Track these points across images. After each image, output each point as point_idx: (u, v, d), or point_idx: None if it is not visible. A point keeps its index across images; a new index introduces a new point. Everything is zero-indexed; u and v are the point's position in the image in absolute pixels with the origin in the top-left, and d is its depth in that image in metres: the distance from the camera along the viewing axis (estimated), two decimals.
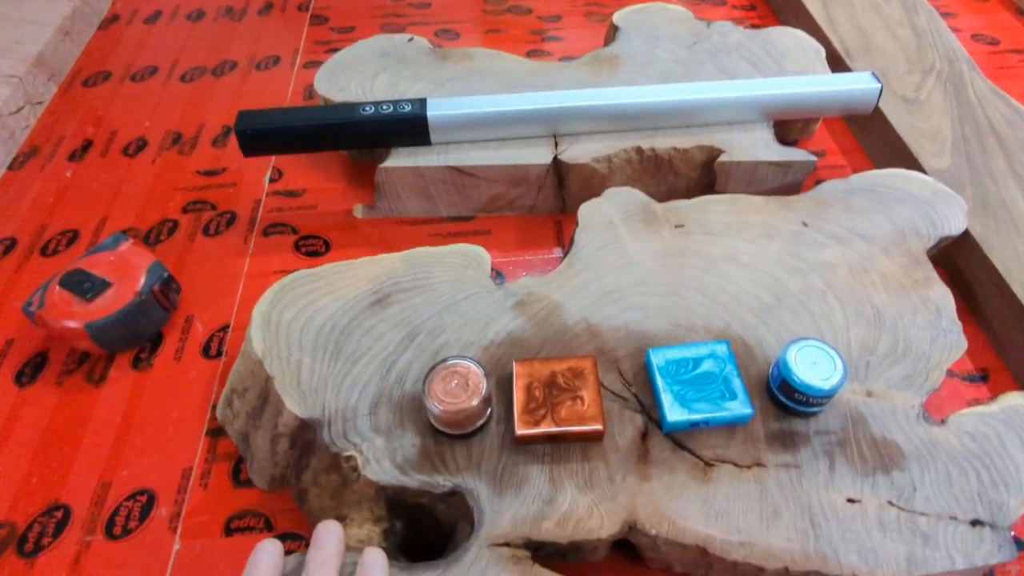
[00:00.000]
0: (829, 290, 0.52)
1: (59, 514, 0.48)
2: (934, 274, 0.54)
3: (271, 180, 0.69)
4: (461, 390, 0.43)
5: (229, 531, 0.47)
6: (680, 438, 0.45)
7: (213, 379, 0.55)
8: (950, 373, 0.56)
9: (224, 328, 0.58)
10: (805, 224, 0.57)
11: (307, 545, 0.39)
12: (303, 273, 0.52)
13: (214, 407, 0.53)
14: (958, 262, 0.60)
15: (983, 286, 0.58)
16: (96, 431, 0.52)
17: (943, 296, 0.52)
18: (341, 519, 0.45)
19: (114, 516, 0.48)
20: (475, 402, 0.42)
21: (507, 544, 0.41)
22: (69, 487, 0.49)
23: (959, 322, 0.51)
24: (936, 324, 0.51)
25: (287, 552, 0.39)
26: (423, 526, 0.46)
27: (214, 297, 0.60)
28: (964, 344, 0.50)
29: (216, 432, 0.52)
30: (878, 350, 0.49)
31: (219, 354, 0.56)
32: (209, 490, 0.49)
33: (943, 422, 0.46)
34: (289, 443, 0.47)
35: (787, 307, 0.51)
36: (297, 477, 0.48)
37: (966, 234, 0.58)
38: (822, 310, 0.51)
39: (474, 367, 0.44)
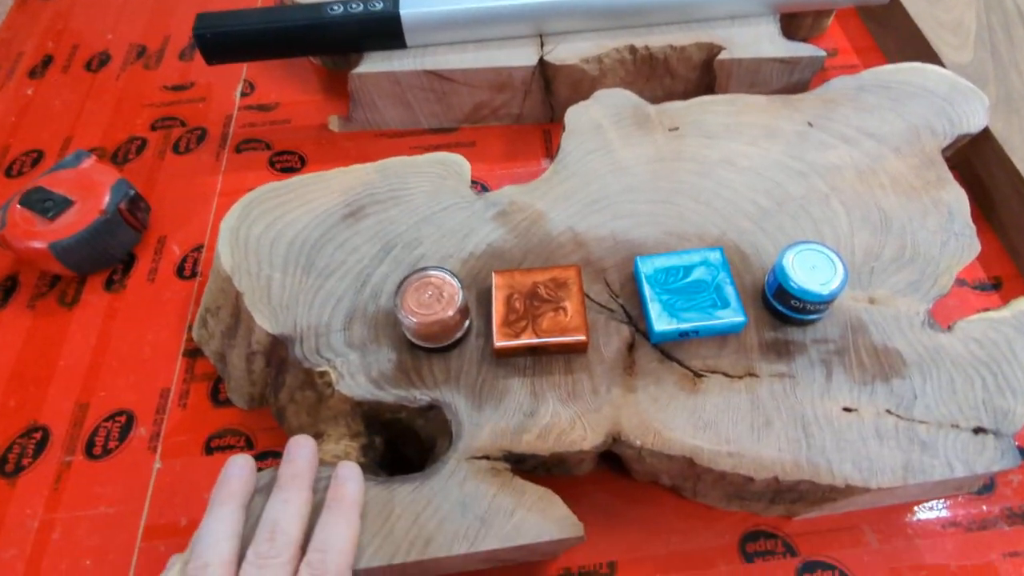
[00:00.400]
0: (833, 193, 0.49)
1: (38, 435, 0.47)
2: (948, 175, 0.50)
3: (242, 94, 0.66)
4: (435, 301, 0.40)
5: (209, 450, 0.47)
6: (668, 349, 0.43)
7: (188, 300, 0.53)
8: (960, 282, 0.53)
9: (198, 248, 0.56)
10: (810, 124, 0.52)
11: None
12: (272, 186, 0.49)
13: (190, 328, 0.51)
14: (975, 163, 0.56)
15: (1001, 189, 0.54)
16: (71, 353, 0.51)
17: (957, 198, 0.48)
18: (318, 436, 0.44)
19: (93, 436, 0.47)
20: (450, 313, 0.40)
21: (486, 457, 0.39)
22: (47, 409, 0.48)
23: (973, 225, 0.47)
24: (947, 227, 0.47)
25: (263, 469, 0.38)
26: (403, 442, 0.45)
27: (187, 217, 0.57)
28: (977, 247, 0.46)
29: (193, 353, 0.51)
30: (883, 255, 0.46)
31: (193, 275, 0.54)
32: (188, 410, 0.48)
33: (949, 329, 0.44)
34: (264, 361, 0.46)
35: (787, 212, 0.48)
36: (275, 395, 0.47)
37: (986, 132, 0.53)
38: (825, 215, 0.48)
39: (449, 278, 0.41)
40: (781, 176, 0.50)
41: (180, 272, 0.55)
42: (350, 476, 0.37)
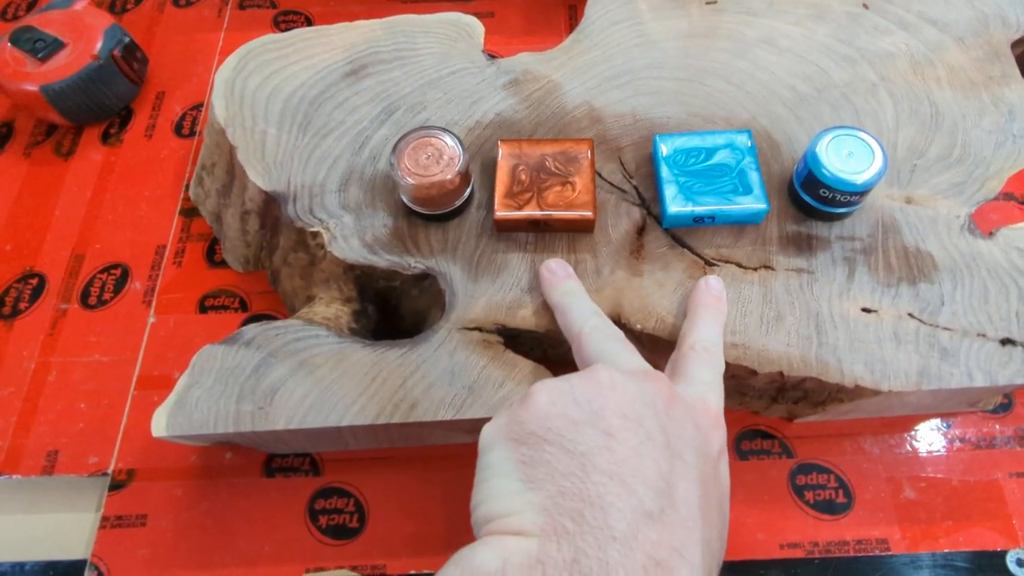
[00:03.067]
0: (882, 83, 0.44)
1: (34, 281, 0.47)
2: (1016, 72, 0.45)
3: None
4: (434, 163, 0.38)
5: (203, 309, 0.46)
6: (680, 235, 0.40)
7: (186, 159, 0.51)
8: (1008, 195, 0.49)
9: (197, 107, 0.53)
10: (865, 6, 0.47)
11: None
12: (271, 38, 0.46)
13: (187, 187, 0.50)
14: None
15: None
16: (67, 204, 0.50)
17: (1021, 96, 0.44)
18: (310, 299, 0.43)
19: (88, 287, 0.47)
20: (449, 176, 0.37)
21: (479, 329, 0.38)
22: (42, 256, 0.48)
23: None
24: (1005, 128, 0.43)
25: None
26: (398, 315, 0.44)
27: (186, 74, 0.55)
28: None
29: (190, 212, 0.49)
30: (929, 153, 0.42)
31: (192, 133, 0.52)
32: (183, 268, 0.47)
33: (991, 236, 0.40)
34: (259, 221, 0.44)
35: (827, 100, 0.44)
36: (269, 258, 0.45)
37: None
38: (869, 105, 0.44)
39: (450, 139, 0.39)
40: (825, 61, 0.45)
41: (178, 130, 0.52)
42: (715, 284, 0.37)
